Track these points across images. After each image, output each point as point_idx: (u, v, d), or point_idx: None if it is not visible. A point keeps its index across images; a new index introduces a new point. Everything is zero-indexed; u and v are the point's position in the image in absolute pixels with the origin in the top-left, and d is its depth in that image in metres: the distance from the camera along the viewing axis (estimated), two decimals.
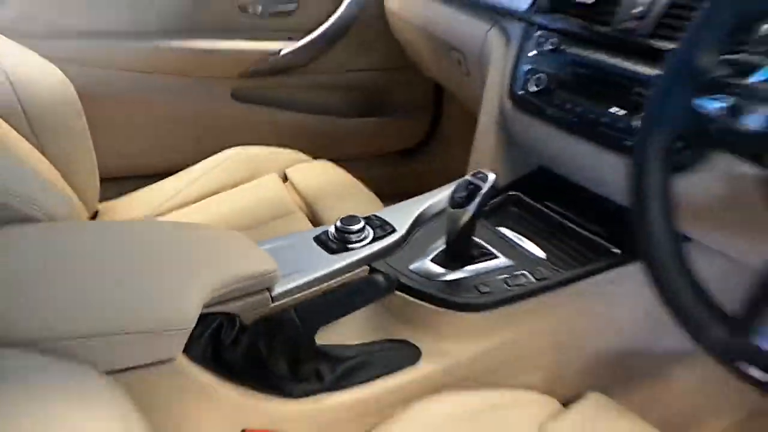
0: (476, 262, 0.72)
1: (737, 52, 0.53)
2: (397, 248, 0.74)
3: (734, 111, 0.43)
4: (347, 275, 0.67)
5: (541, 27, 0.82)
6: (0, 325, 0.40)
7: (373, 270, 0.67)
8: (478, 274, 0.71)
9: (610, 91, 0.71)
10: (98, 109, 0.95)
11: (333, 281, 0.65)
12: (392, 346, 0.67)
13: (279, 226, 0.93)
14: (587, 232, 0.78)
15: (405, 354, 0.66)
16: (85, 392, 0.39)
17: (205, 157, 1.10)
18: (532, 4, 0.84)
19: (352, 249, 0.71)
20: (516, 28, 0.86)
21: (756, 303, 0.40)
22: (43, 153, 0.81)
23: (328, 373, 0.61)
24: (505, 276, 0.71)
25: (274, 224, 0.94)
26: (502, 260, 0.73)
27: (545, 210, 0.85)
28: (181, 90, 1.29)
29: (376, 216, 0.78)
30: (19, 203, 0.54)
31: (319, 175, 1.09)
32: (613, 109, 0.70)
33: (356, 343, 0.66)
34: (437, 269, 0.71)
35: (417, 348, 0.67)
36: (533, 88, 0.80)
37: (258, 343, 0.57)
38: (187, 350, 0.51)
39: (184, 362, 0.51)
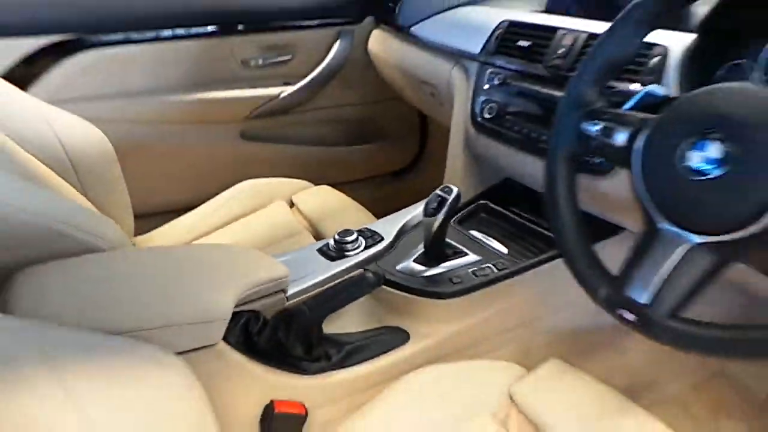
0: (450, 260, 0.87)
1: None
2: (386, 253, 0.90)
3: (607, 132, 0.60)
4: (345, 277, 0.83)
5: (490, 66, 0.99)
6: (103, 319, 0.56)
7: (365, 270, 0.84)
8: (451, 269, 0.86)
9: (546, 115, 0.86)
10: (129, 157, 1.05)
11: (334, 282, 0.82)
12: (385, 331, 0.82)
13: (289, 244, 1.06)
14: (543, 229, 0.93)
15: (396, 337, 0.81)
16: (164, 367, 0.54)
17: (221, 191, 1.21)
18: (483, 48, 1.01)
19: (348, 256, 0.87)
20: (473, 67, 1.03)
21: (630, 265, 0.56)
22: (86, 197, 0.94)
23: (334, 355, 0.76)
24: (474, 269, 0.86)
25: (285, 243, 1.07)
26: (471, 257, 0.89)
27: (510, 214, 1.00)
28: (197, 135, 1.40)
29: (367, 228, 0.95)
30: (82, 235, 0.67)
31: (321, 199, 1.21)
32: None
33: (356, 330, 0.81)
34: (418, 267, 0.86)
35: (405, 332, 0.82)
36: (488, 116, 0.97)
37: (278, 332, 0.72)
38: (225, 338, 0.66)
39: (223, 347, 0.66)
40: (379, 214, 1.14)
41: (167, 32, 1.27)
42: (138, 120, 1.31)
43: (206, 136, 1.41)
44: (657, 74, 0.73)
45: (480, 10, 1.11)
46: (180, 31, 1.29)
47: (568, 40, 0.86)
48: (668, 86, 0.72)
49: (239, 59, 1.38)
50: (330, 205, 1.20)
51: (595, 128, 0.61)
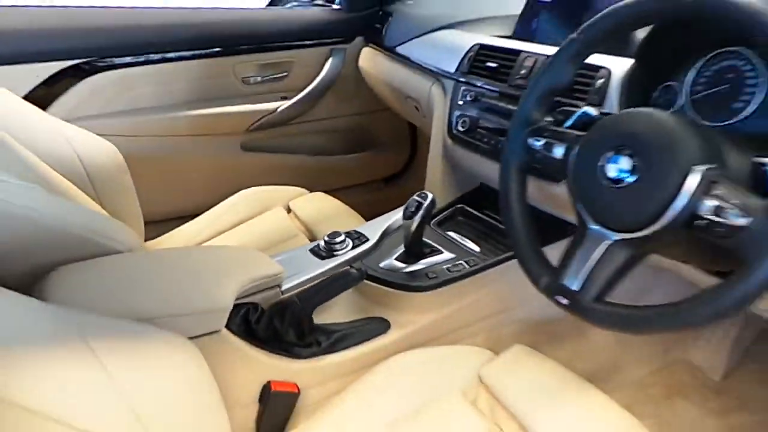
0: (427, 258, 0.98)
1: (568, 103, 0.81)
2: (371, 252, 1.01)
3: (548, 146, 0.71)
4: (333, 274, 0.94)
5: (464, 84, 1.10)
6: (127, 308, 0.67)
7: (350, 267, 0.94)
8: (428, 266, 0.97)
9: None
10: (139, 168, 1.11)
11: (323, 278, 0.93)
12: (369, 321, 0.92)
13: (285, 246, 1.14)
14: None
15: (378, 326, 0.91)
16: (178, 349, 0.64)
17: (224, 199, 1.28)
18: (458, 68, 1.12)
19: (337, 255, 0.98)
20: (449, 84, 1.14)
21: (565, 258, 0.67)
22: (101, 205, 1.01)
23: (324, 341, 0.86)
24: (448, 266, 0.97)
25: (282, 245, 1.15)
26: (446, 255, 0.99)
27: (484, 217, 1.11)
28: (201, 147, 1.48)
29: (355, 231, 1.05)
30: (100, 239, 0.76)
31: (316, 205, 1.29)
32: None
33: (343, 320, 0.91)
34: (399, 264, 0.97)
35: (387, 321, 0.92)
36: (461, 128, 1.08)
37: (274, 321, 0.83)
38: (228, 326, 0.77)
39: (226, 333, 0.77)
40: (371, 218, 1.19)
41: (172, 54, 1.37)
42: (147, 134, 1.39)
43: (210, 148, 1.50)
44: (601, 94, 0.84)
45: (456, 34, 1.22)
46: (184, 53, 1.38)
47: (529, 62, 0.97)
48: (611, 106, 0.83)
49: (239, 77, 1.47)
50: (324, 210, 1.29)
51: (538, 143, 0.72)
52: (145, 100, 1.38)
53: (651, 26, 0.79)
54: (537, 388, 0.78)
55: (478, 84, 1.06)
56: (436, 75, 1.20)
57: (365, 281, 0.93)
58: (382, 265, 0.98)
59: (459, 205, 1.15)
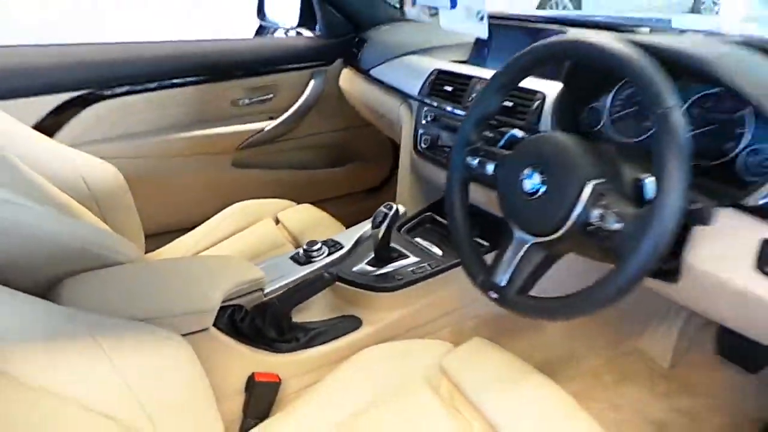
0: (394, 262, 1.10)
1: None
2: (345, 258, 1.13)
3: (482, 164, 0.83)
4: (309, 278, 1.06)
5: (425, 105, 1.23)
6: (129, 310, 0.78)
7: (324, 272, 1.06)
8: (395, 269, 1.09)
9: None
10: (138, 186, 1.18)
11: (300, 282, 1.05)
12: (343, 319, 1.03)
13: (274, 254, 1.21)
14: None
15: (351, 323, 1.02)
16: (173, 345, 0.75)
17: (217, 213, 1.37)
18: (420, 90, 1.25)
19: (314, 261, 1.10)
20: (414, 105, 1.27)
21: (496, 259, 0.79)
22: (105, 221, 1.09)
23: (302, 337, 0.97)
24: (413, 268, 1.09)
25: (270, 253, 1.23)
26: (412, 259, 1.12)
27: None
28: (195, 165, 1.58)
29: (331, 239, 1.18)
30: (104, 252, 0.86)
31: (302, 216, 1.38)
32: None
33: (319, 319, 1.03)
34: (370, 268, 1.09)
35: (359, 319, 1.03)
36: (424, 145, 1.20)
37: (256, 320, 0.94)
38: (216, 325, 0.88)
39: (214, 331, 0.88)
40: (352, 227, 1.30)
41: (167, 82, 1.48)
42: (146, 156, 1.50)
43: (203, 166, 1.61)
44: (537, 116, 0.97)
45: (420, 59, 1.35)
46: (178, 80, 1.49)
47: (480, 86, 1.10)
48: (546, 125, 0.96)
49: (229, 100, 1.58)
50: (310, 220, 1.39)
51: (474, 162, 0.84)
52: (143, 124, 1.48)
53: None
54: (491, 377, 0.86)
55: (437, 105, 1.19)
56: (404, 96, 1.33)
57: (339, 284, 1.05)
58: (354, 269, 1.10)
59: (428, 213, 1.27)
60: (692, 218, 0.62)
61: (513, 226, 0.77)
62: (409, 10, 1.22)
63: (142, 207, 1.15)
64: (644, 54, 0.63)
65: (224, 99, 1.58)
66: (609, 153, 0.73)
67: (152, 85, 1.46)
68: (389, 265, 1.10)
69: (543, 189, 0.72)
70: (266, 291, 1.00)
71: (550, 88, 0.98)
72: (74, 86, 1.35)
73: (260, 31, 1.82)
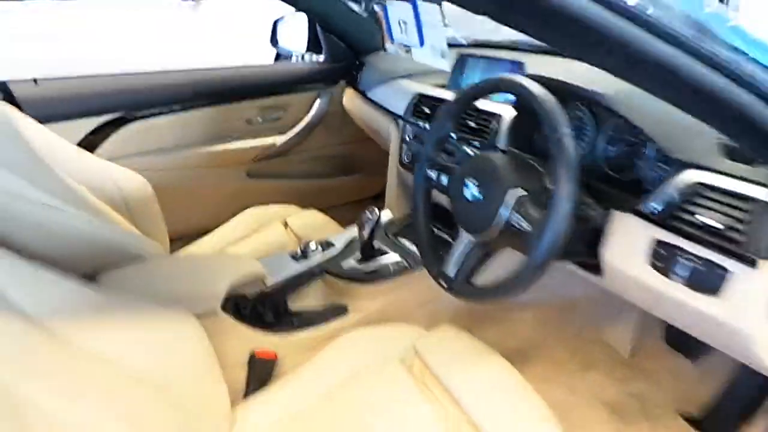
0: (378, 258, 1.28)
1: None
2: (337, 256, 1.32)
3: (438, 176, 1.00)
4: (302, 272, 1.24)
5: (410, 124, 1.40)
6: (154, 294, 0.97)
7: (315, 267, 1.24)
8: (379, 265, 1.26)
9: None
10: (165, 194, 1.30)
11: (296, 276, 1.23)
12: (331, 306, 1.21)
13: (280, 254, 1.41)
14: (447, 236, 1.34)
15: (339, 310, 1.20)
16: (188, 323, 0.92)
17: (232, 217, 1.51)
18: (405, 111, 1.43)
19: (309, 259, 1.29)
20: (401, 123, 1.45)
21: (449, 254, 0.96)
22: (135, 226, 1.23)
23: (297, 322, 1.15)
24: (394, 264, 1.27)
25: (277, 254, 1.39)
26: (393, 256, 1.29)
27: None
28: (214, 176, 1.74)
29: (326, 240, 1.36)
30: (134, 251, 1.04)
31: (309, 220, 1.53)
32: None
33: (312, 307, 1.21)
34: (357, 265, 1.27)
35: (346, 307, 1.20)
36: (407, 160, 1.38)
37: (258, 307, 1.14)
38: (223, 309, 1.08)
39: (222, 314, 1.06)
40: None
41: (190, 104, 1.67)
42: (170, 168, 1.67)
43: (221, 177, 1.78)
44: (495, 135, 1.13)
45: (408, 83, 1.53)
46: (199, 102, 1.68)
47: None
48: (502, 144, 1.12)
49: (244, 119, 1.76)
50: (315, 224, 1.55)
51: (434, 175, 1.02)
52: (169, 141, 1.65)
53: None
54: (456, 358, 0.96)
55: (418, 125, 1.37)
56: (393, 116, 1.51)
57: (330, 277, 1.23)
58: (344, 265, 1.28)
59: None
60: (591, 221, 0.78)
61: (460, 227, 0.94)
62: (389, 47, 1.39)
63: (167, 212, 1.27)
64: (546, 91, 0.80)
65: (240, 118, 1.76)
66: (536, 168, 0.89)
67: (177, 108, 1.65)
68: (374, 262, 1.28)
69: (480, 197, 0.89)
70: (268, 284, 1.19)
71: (506, 111, 1.14)
72: (111, 110, 1.53)
73: (278, 57, 2.03)
